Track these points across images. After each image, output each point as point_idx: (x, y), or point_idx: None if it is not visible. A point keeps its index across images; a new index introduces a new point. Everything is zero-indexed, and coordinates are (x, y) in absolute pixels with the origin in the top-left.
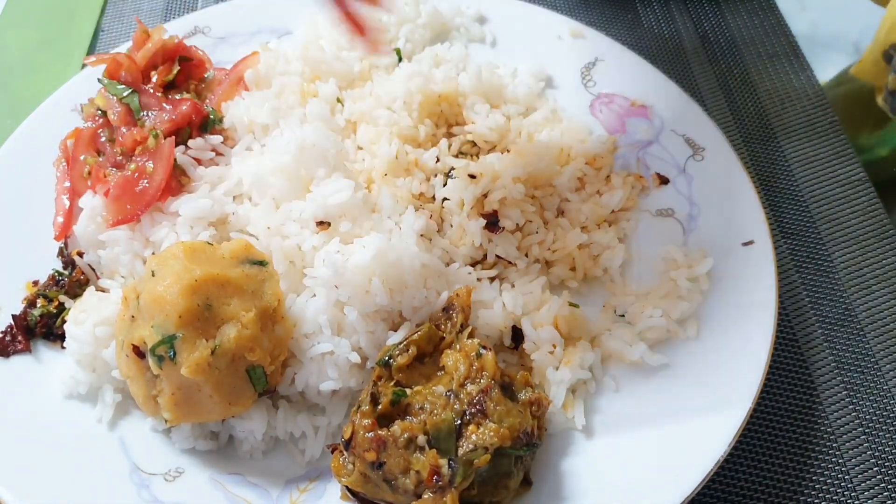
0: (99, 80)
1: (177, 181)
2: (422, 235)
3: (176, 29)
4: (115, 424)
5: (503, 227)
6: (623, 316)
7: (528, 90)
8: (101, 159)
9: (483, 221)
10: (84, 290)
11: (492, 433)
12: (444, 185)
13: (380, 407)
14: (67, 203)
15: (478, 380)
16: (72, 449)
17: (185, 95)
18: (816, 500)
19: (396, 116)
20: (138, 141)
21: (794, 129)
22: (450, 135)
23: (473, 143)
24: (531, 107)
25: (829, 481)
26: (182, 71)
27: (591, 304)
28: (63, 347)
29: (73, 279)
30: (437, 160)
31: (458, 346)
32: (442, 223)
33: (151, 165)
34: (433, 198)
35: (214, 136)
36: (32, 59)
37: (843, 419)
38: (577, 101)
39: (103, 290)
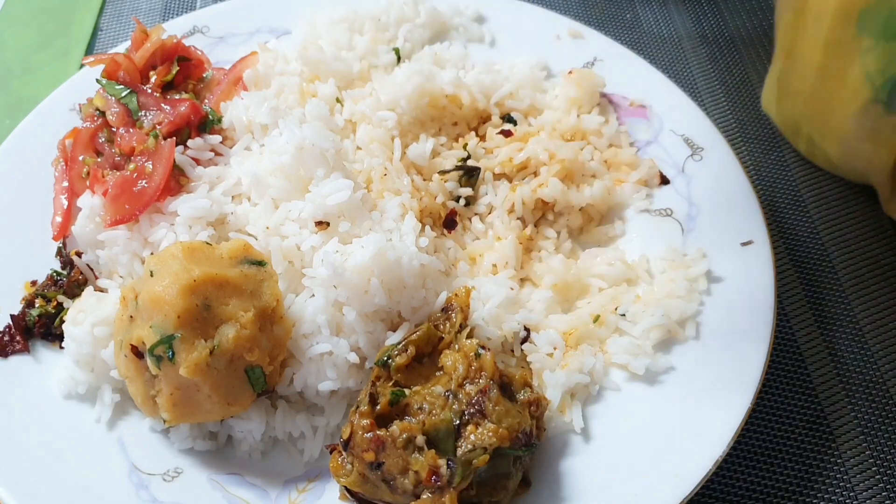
0: (97, 80)
1: (175, 181)
2: (424, 243)
3: (174, 28)
4: (113, 424)
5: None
6: (624, 315)
7: (531, 89)
8: (99, 160)
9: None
10: (82, 290)
11: (490, 433)
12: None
13: (378, 407)
14: (66, 203)
15: (476, 380)
16: (70, 449)
17: (184, 95)
18: (815, 500)
19: (397, 116)
20: (135, 147)
21: None
22: (457, 137)
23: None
24: (535, 107)
25: (827, 481)
26: (181, 71)
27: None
28: (61, 347)
29: (71, 279)
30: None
31: (456, 347)
32: (439, 220)
33: (150, 166)
34: (434, 197)
35: (213, 136)
36: (31, 59)
37: (841, 419)
38: None
39: (102, 290)
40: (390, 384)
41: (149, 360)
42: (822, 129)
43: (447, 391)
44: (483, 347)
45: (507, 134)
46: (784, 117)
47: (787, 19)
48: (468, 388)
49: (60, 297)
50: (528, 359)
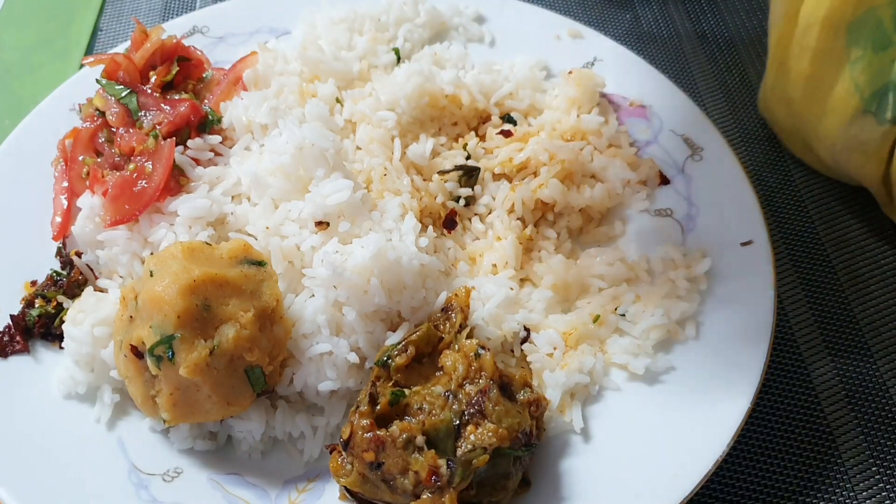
0: (97, 80)
1: (175, 181)
2: (424, 244)
3: (174, 29)
4: (113, 424)
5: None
6: (624, 315)
7: (531, 89)
8: (99, 160)
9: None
10: (82, 291)
11: (490, 433)
12: (462, 184)
13: (378, 407)
14: (66, 203)
15: (476, 380)
16: (70, 449)
17: (184, 95)
18: (815, 500)
19: (397, 116)
20: (135, 147)
21: None
22: (457, 137)
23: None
24: (535, 107)
25: (827, 480)
26: (180, 71)
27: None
28: (61, 348)
29: (71, 279)
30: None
31: (456, 347)
32: (439, 220)
33: (150, 166)
34: (434, 197)
35: (213, 136)
36: (30, 59)
37: (841, 419)
38: None
39: (101, 291)
40: (390, 384)
41: (149, 360)
42: (814, 137)
43: (447, 391)
44: (483, 347)
45: (506, 134)
46: (779, 122)
47: (778, 28)
48: (468, 388)
49: (60, 297)
50: (528, 359)
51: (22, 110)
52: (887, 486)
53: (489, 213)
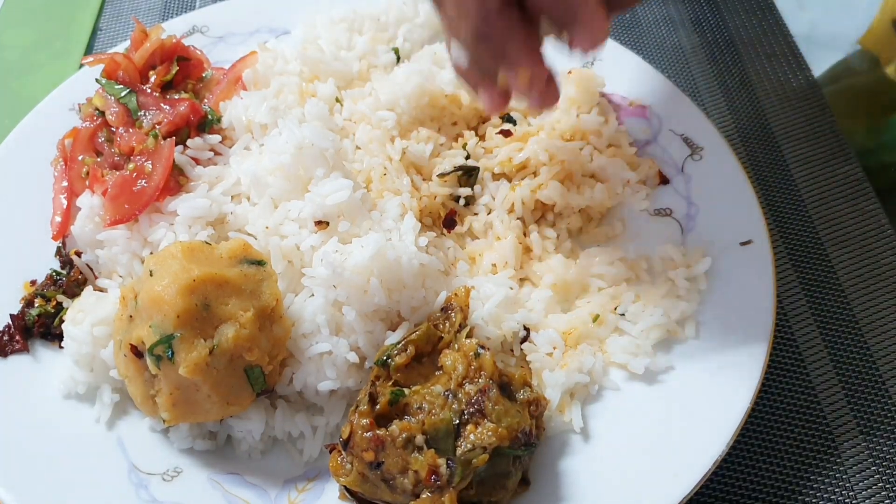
0: (97, 80)
1: (175, 181)
2: (426, 244)
3: (174, 28)
4: (113, 424)
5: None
6: (624, 315)
7: None
8: (99, 159)
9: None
10: (82, 290)
11: (490, 433)
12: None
13: (378, 407)
14: (65, 203)
15: (476, 379)
16: (70, 449)
17: (184, 95)
18: (814, 500)
19: (397, 116)
20: (134, 147)
21: (793, 129)
22: (456, 136)
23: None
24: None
25: (826, 481)
26: (180, 71)
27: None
28: (61, 347)
29: (70, 279)
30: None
31: (456, 346)
32: (438, 220)
33: (150, 165)
34: (434, 197)
35: (213, 136)
36: (30, 59)
37: (840, 419)
38: None
39: (101, 290)
40: (390, 384)
41: (148, 360)
42: None
43: (447, 391)
44: (482, 347)
45: (506, 134)
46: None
47: None
48: (468, 387)
49: (60, 297)
50: (528, 358)
51: (21, 110)
52: (886, 487)
53: (489, 213)
